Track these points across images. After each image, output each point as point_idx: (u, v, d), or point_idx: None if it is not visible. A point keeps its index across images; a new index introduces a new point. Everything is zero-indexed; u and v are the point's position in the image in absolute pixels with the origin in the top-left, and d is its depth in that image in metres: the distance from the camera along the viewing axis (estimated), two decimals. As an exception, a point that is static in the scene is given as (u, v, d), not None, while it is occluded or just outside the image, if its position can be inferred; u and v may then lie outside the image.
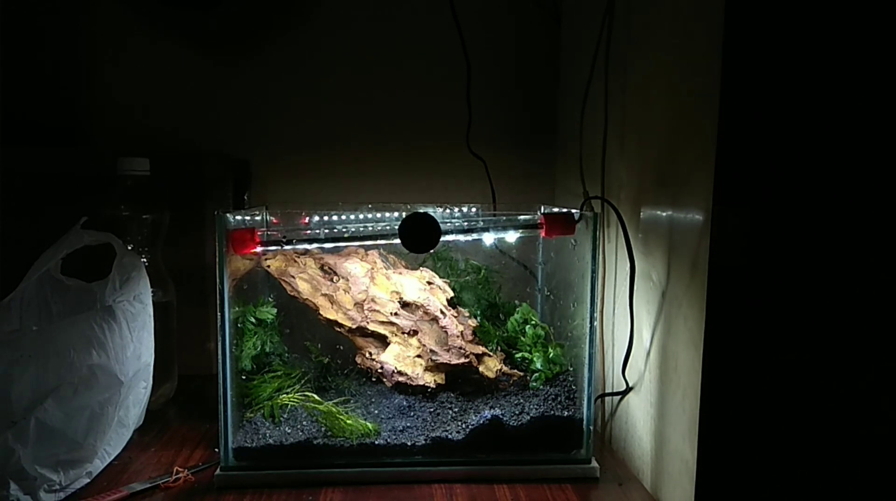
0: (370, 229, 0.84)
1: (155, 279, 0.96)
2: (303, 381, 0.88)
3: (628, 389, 0.87)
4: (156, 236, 1.03)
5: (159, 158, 1.02)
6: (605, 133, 0.93)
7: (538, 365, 0.90)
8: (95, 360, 0.77)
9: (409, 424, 0.83)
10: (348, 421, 0.81)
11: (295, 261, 0.91)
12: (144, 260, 0.99)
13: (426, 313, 0.89)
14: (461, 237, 0.89)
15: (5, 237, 1.09)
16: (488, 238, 0.89)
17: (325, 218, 0.88)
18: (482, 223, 0.86)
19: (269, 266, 0.90)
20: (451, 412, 0.85)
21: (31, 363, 0.73)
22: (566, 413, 0.83)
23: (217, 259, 0.76)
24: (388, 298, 0.89)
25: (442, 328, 0.89)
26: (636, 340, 0.85)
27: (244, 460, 0.79)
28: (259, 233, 0.79)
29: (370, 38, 1.23)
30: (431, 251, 0.87)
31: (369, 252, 0.93)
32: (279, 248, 0.82)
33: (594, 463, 0.83)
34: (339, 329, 0.90)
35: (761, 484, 0.66)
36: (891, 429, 0.66)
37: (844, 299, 0.64)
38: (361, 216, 0.85)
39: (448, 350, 0.88)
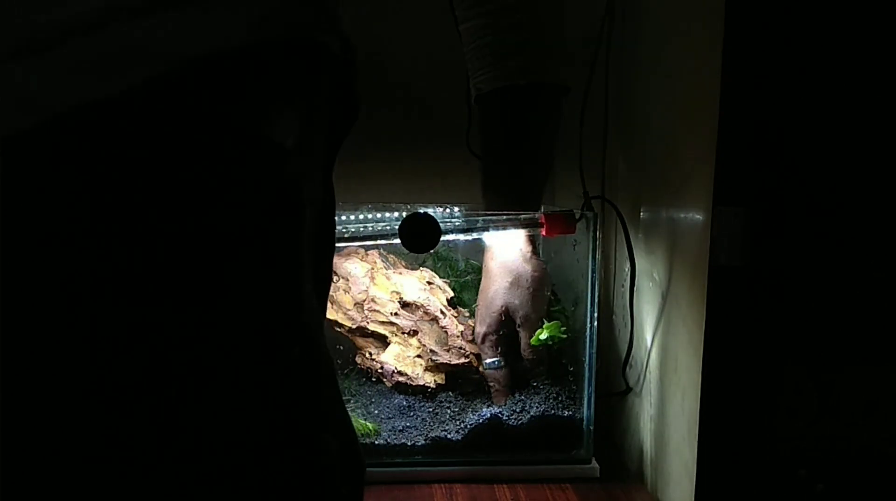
0: (370, 229, 0.84)
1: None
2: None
3: (628, 389, 0.87)
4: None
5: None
6: (606, 133, 0.93)
7: (541, 337, 0.87)
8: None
9: (408, 424, 0.83)
10: (348, 421, 0.81)
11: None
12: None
13: (426, 313, 0.89)
14: (461, 237, 0.88)
15: None
16: (488, 238, 0.89)
17: (325, 218, 0.88)
18: (482, 223, 0.86)
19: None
20: (450, 411, 0.85)
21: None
22: (566, 413, 0.83)
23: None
24: (388, 298, 0.89)
25: (442, 328, 0.88)
26: (636, 340, 0.85)
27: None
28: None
29: (369, 38, 1.22)
30: (431, 251, 0.87)
31: (369, 252, 0.93)
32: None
33: (594, 463, 0.83)
34: (338, 329, 0.90)
35: (761, 485, 0.66)
36: (891, 429, 0.66)
37: (844, 299, 0.64)
38: (361, 216, 0.84)
39: (448, 350, 0.88)
